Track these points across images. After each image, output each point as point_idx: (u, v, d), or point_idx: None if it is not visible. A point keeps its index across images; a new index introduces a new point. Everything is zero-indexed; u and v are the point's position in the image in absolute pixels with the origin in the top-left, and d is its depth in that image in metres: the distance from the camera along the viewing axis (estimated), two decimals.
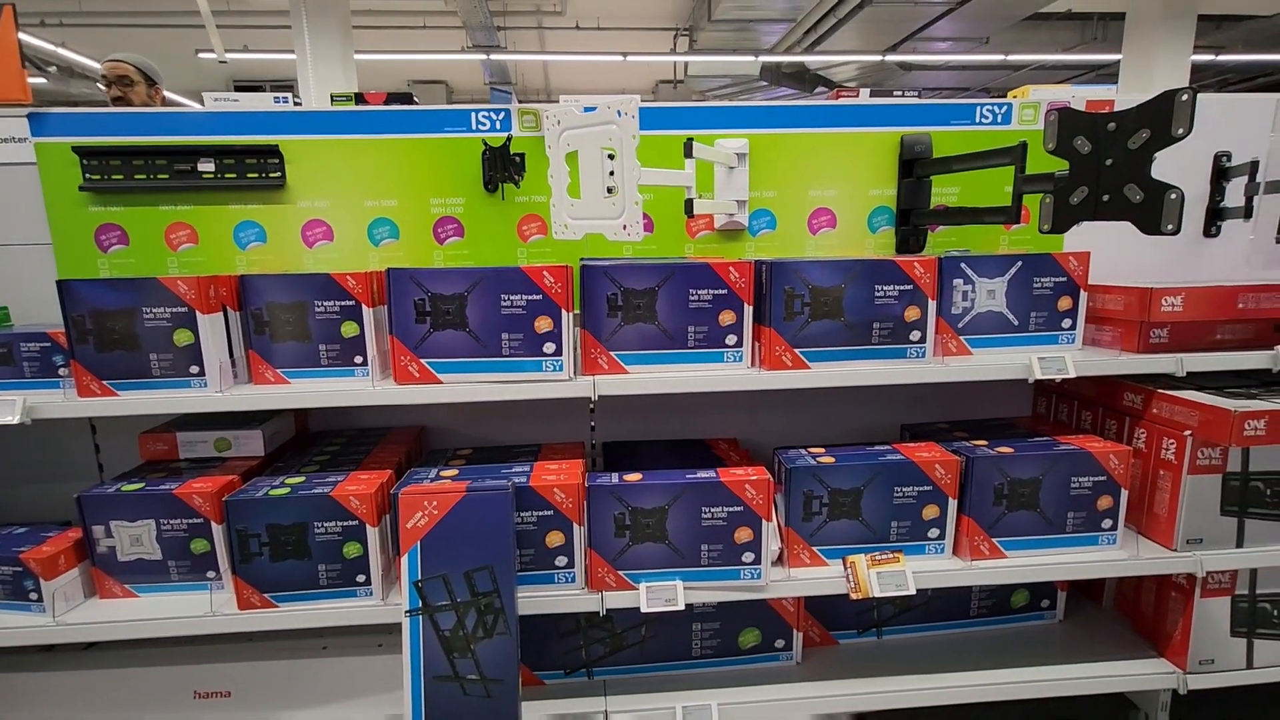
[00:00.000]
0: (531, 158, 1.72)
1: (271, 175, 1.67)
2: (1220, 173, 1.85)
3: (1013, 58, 8.90)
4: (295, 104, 1.74)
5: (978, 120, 1.80)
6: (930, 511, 1.50)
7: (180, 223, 1.69)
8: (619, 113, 1.19)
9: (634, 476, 1.41)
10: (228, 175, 1.66)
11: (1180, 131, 1.15)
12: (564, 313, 1.41)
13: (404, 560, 1.27)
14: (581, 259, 1.49)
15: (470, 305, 1.40)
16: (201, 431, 1.57)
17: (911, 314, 1.49)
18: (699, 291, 1.47)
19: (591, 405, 1.40)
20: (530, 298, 1.40)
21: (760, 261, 1.47)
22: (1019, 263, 1.57)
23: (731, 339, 1.49)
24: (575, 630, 1.56)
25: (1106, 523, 1.53)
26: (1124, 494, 1.52)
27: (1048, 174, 1.39)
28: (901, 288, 1.47)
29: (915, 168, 1.78)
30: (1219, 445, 1.47)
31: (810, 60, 9.45)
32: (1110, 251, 1.85)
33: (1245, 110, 1.85)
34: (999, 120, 1.81)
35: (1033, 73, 10.97)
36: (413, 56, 8.13)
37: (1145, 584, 1.71)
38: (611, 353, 1.47)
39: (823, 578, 1.47)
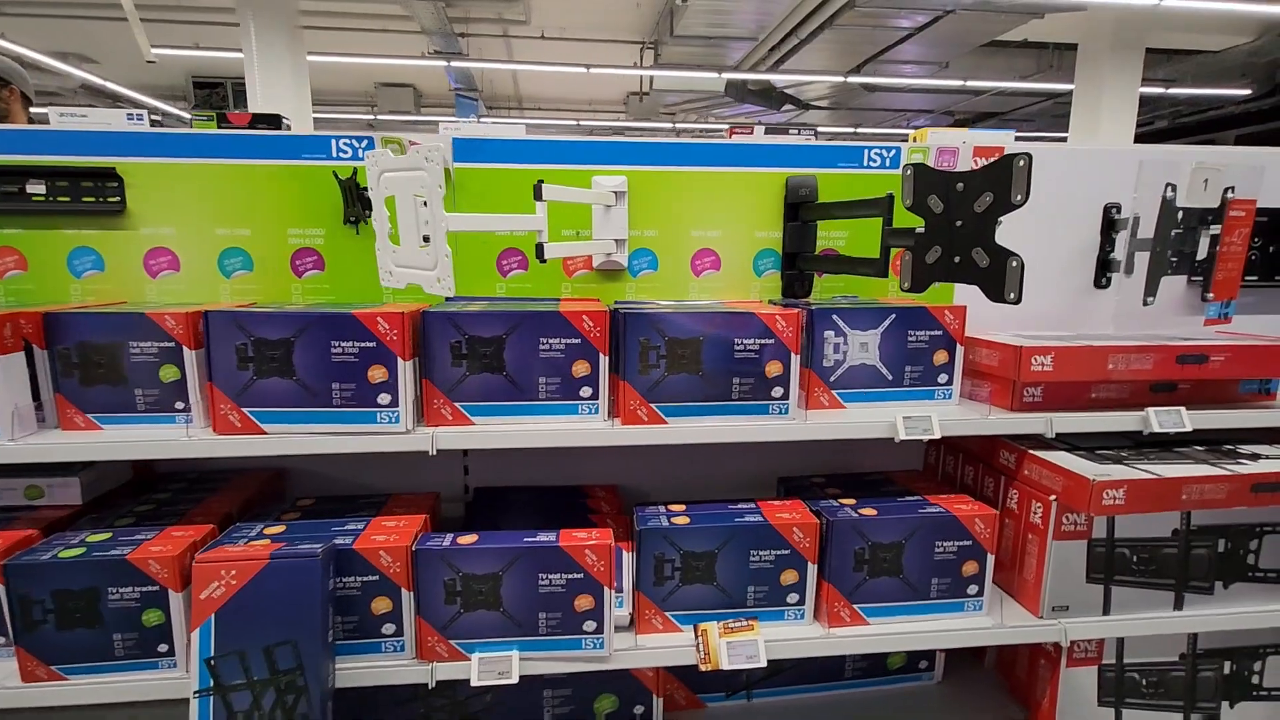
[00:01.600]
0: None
1: (109, 199, 1.56)
2: (1109, 224, 1.83)
3: (971, 83, 9.04)
4: (154, 122, 1.62)
5: (865, 163, 1.76)
6: (789, 576, 1.43)
7: (7, 248, 1.56)
8: (426, 158, 1.11)
9: (468, 539, 1.32)
10: (60, 199, 1.54)
11: (1018, 198, 1.11)
12: (400, 361, 1.32)
13: (195, 635, 1.16)
14: (447, 299, 1.41)
15: (298, 351, 1.30)
16: (8, 479, 1.45)
17: (773, 369, 1.42)
18: (550, 340, 1.39)
19: (431, 455, 1.32)
20: (363, 345, 1.31)
21: (616, 310, 1.40)
22: (893, 315, 1.52)
23: (586, 390, 1.42)
24: (414, 699, 1.46)
25: (972, 588, 1.48)
26: (990, 559, 1.47)
27: (910, 229, 1.34)
28: (763, 341, 1.41)
29: (800, 211, 1.73)
30: (1081, 512, 1.43)
31: (776, 78, 9.50)
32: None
33: (1130, 162, 1.84)
34: (886, 164, 1.77)
35: (993, 99, 11.19)
36: (369, 60, 7.97)
37: (1020, 648, 1.67)
38: (456, 403, 1.38)
39: (672, 646, 1.39)
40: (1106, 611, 1.49)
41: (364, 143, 1.62)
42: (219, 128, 1.68)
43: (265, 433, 1.32)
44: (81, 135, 1.55)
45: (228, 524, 1.43)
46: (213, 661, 1.16)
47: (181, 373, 1.34)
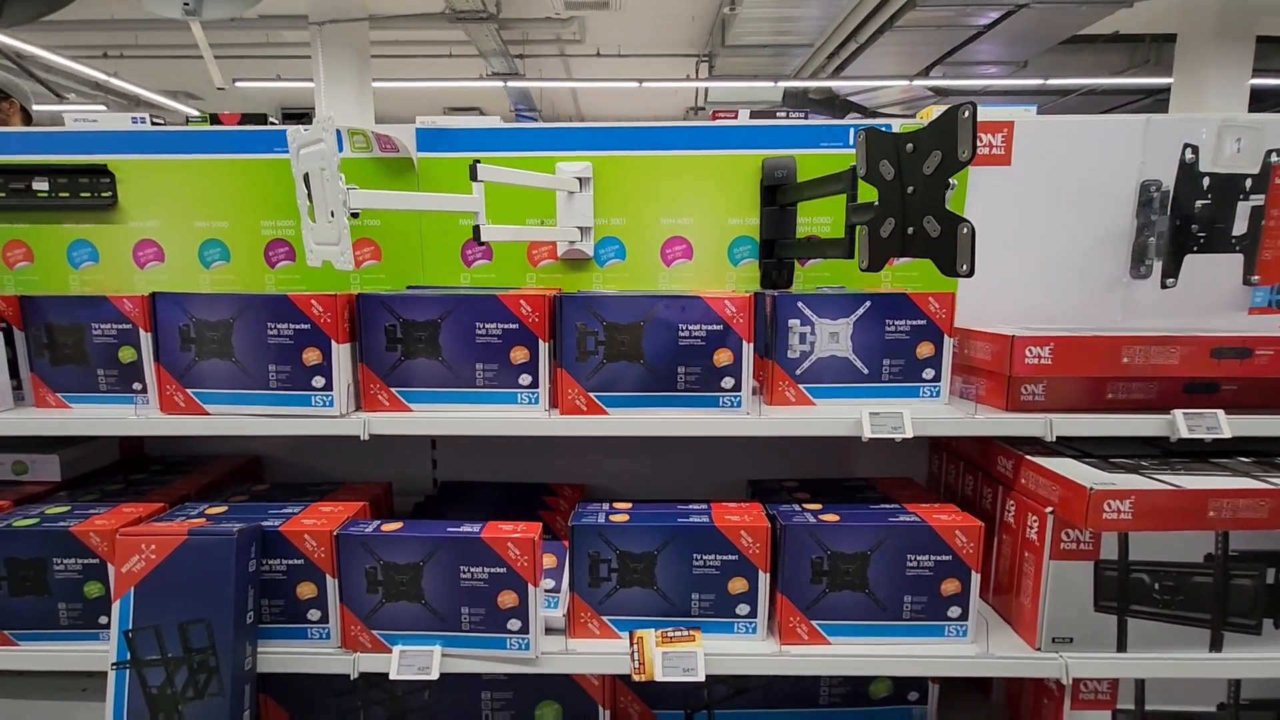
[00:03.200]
0: (363, 181, 1.64)
1: (103, 195, 1.65)
2: (1147, 204, 1.60)
3: (1052, 82, 8.44)
4: (155, 123, 1.71)
5: (850, 142, 1.62)
6: (738, 585, 1.30)
7: (16, 241, 1.69)
8: (324, 129, 1.09)
9: (392, 526, 1.28)
10: (61, 194, 1.65)
11: (964, 153, 0.97)
12: (334, 344, 1.31)
13: (115, 607, 1.18)
14: (409, 287, 1.40)
15: (236, 334, 1.32)
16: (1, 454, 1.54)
17: (722, 357, 1.32)
18: (487, 325, 1.34)
19: (363, 439, 1.29)
20: (298, 327, 1.31)
21: (558, 294, 1.34)
22: (867, 302, 1.38)
23: (525, 378, 1.36)
24: (351, 690, 1.43)
25: (954, 610, 1.29)
26: (974, 577, 1.28)
27: (869, 203, 1.21)
28: (709, 327, 1.31)
29: (777, 195, 1.61)
30: (1079, 528, 1.23)
31: (839, 85, 9.24)
32: (1021, 291, 1.63)
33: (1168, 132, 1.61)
34: None
35: (1083, 98, 10.41)
36: (429, 84, 8.37)
37: (1026, 683, 1.45)
38: (392, 389, 1.36)
39: (607, 653, 1.29)
40: (1122, 648, 1.27)
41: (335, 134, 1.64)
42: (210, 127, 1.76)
43: (207, 413, 1.34)
44: (80, 135, 1.66)
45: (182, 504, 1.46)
46: (130, 634, 1.17)
47: (138, 353, 1.39)
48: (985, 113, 1.72)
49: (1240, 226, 1.24)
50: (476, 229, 1.35)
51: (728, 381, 1.33)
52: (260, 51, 8.33)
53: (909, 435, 1.27)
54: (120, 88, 8.41)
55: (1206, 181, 1.20)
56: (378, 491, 1.56)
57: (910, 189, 1.08)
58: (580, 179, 1.63)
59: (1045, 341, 1.28)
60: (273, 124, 1.80)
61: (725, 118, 1.81)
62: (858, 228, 1.23)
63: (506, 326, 1.35)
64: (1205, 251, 1.23)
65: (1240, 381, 1.32)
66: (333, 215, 1.14)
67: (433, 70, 8.88)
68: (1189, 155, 1.19)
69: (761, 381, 1.43)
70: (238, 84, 8.23)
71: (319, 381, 1.32)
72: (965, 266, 0.97)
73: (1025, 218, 1.63)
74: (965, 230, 0.98)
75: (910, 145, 1.06)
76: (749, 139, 1.63)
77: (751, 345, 1.32)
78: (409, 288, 1.65)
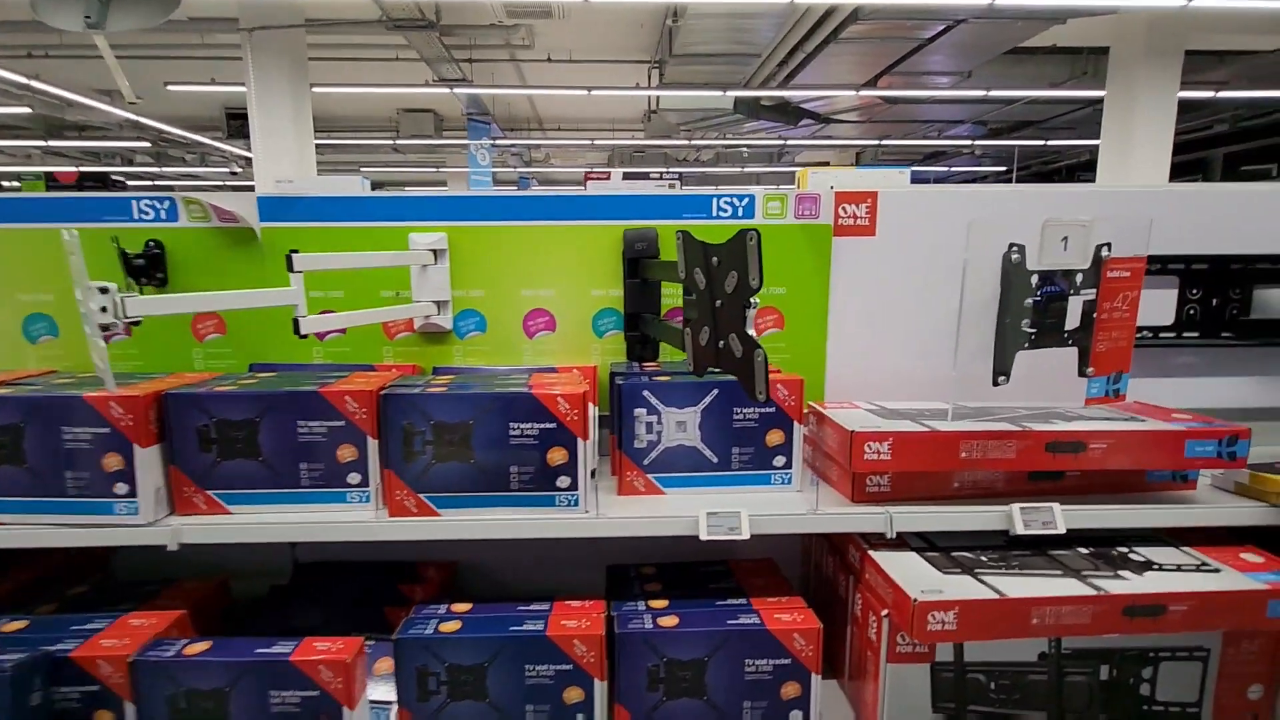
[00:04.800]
0: (204, 253, 1.55)
1: None
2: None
3: (994, 93, 8.59)
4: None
5: (714, 213, 1.58)
6: (573, 694, 1.25)
7: None
8: (69, 249, 1.01)
9: (197, 648, 1.20)
10: None
11: (753, 281, 0.92)
12: (137, 449, 1.22)
13: None
14: (252, 365, 1.31)
15: (29, 438, 1.22)
16: None
17: (556, 456, 1.26)
18: (310, 424, 1.27)
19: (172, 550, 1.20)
20: (96, 430, 1.21)
21: (383, 392, 1.27)
22: (714, 390, 1.33)
23: (354, 477, 1.29)
24: None
25: (795, 715, 1.26)
26: (815, 680, 1.25)
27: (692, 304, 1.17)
28: (542, 426, 1.25)
29: (638, 268, 1.56)
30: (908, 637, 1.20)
31: (792, 94, 9.26)
32: (896, 359, 1.61)
33: (1034, 202, 1.60)
34: (739, 213, 1.58)
35: (1029, 107, 10.64)
36: (373, 90, 8.15)
37: None
38: (209, 491, 1.27)
39: None
40: None
41: (166, 204, 1.55)
42: (47, 188, 1.64)
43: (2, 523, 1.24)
44: None
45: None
46: None
47: None
48: (851, 180, 1.70)
49: (1073, 320, 1.23)
50: (295, 321, 1.27)
51: (563, 480, 1.27)
52: (195, 53, 8.01)
53: (745, 537, 1.24)
54: (45, 90, 7.99)
55: (1035, 279, 1.18)
56: (206, 593, 1.47)
57: (718, 302, 1.03)
58: (435, 250, 1.56)
59: (884, 437, 1.26)
60: (117, 181, 1.68)
61: (598, 179, 1.76)
62: (685, 329, 1.18)
63: (332, 424, 1.27)
64: (1036, 347, 1.21)
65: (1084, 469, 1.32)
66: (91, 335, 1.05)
67: (381, 74, 8.65)
68: (1014, 255, 1.17)
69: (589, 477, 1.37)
70: (170, 88, 7.90)
71: (122, 488, 1.23)
72: (761, 394, 0.93)
73: (893, 287, 1.61)
74: (760, 357, 0.94)
75: (715, 259, 1.02)
76: (609, 209, 1.57)
77: (588, 442, 1.27)
78: (252, 366, 1.57)
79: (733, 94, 8.24)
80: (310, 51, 6.96)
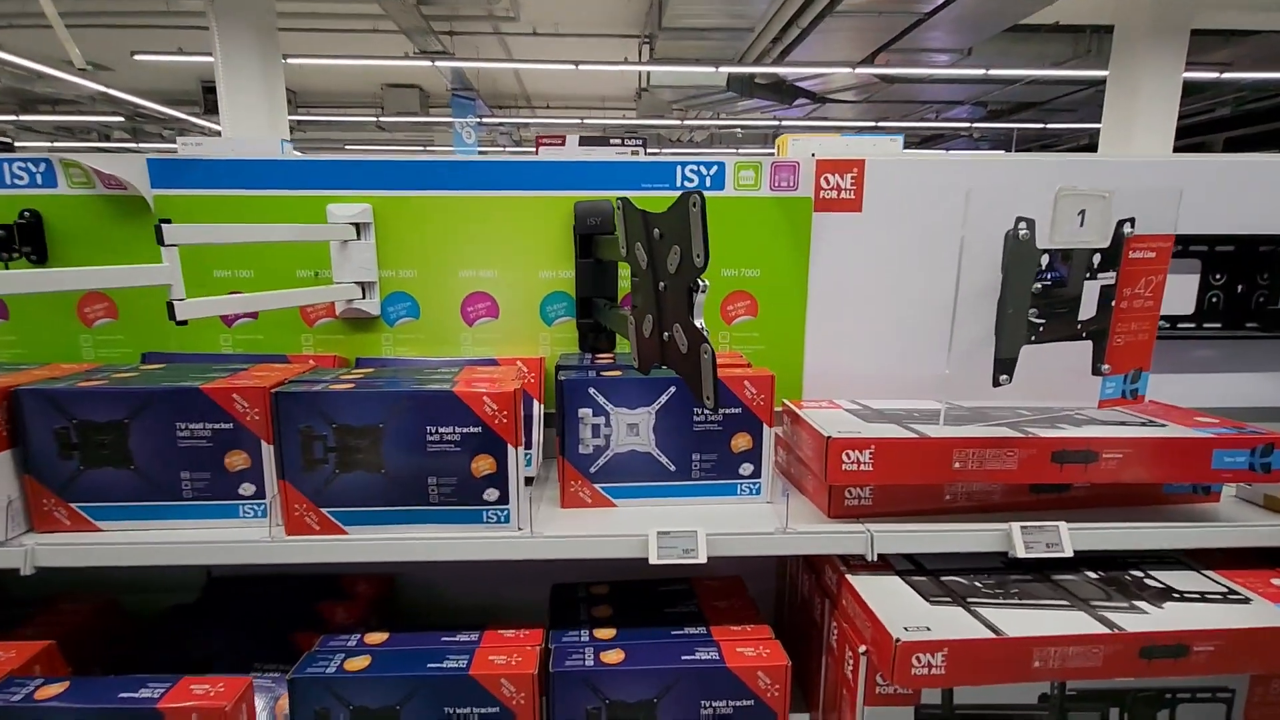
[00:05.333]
0: (91, 223, 1.34)
1: None
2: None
3: (994, 72, 8.34)
4: None
5: (679, 183, 1.38)
6: None
7: None
8: None
9: (51, 690, 1.02)
10: None
11: (698, 257, 0.73)
12: None
13: None
14: (145, 355, 1.11)
15: None
16: None
17: (482, 465, 1.08)
18: (192, 426, 1.08)
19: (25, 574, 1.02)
20: None
21: (275, 390, 1.08)
22: (671, 388, 1.15)
23: (248, 488, 1.10)
24: None
25: None
26: None
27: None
28: (465, 430, 1.06)
29: (592, 246, 1.37)
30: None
31: (785, 71, 8.98)
32: (881, 351, 1.43)
33: (1043, 173, 1.41)
34: (707, 183, 1.39)
35: (1029, 87, 10.39)
36: (349, 62, 7.83)
37: None
38: (72, 505, 1.09)
39: None
40: None
41: (42, 167, 1.34)
42: None
43: None
44: None
45: None
46: None
47: None
48: (836, 147, 1.51)
49: (1087, 310, 1.04)
50: (170, 306, 1.07)
51: (491, 493, 1.09)
52: (161, 21, 7.65)
53: (701, 560, 1.06)
54: (7, 60, 7.63)
55: (1045, 259, 1.00)
56: (86, 616, 1.28)
57: (661, 285, 0.84)
58: (357, 224, 1.36)
59: (865, 444, 1.08)
60: (4, 144, 1.47)
61: (551, 145, 1.56)
62: (629, 317, 0.99)
63: (218, 427, 1.08)
64: (1044, 341, 1.03)
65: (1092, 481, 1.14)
66: None
67: (359, 47, 8.31)
68: (1022, 231, 0.98)
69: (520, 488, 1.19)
70: (137, 57, 7.56)
71: None
72: (709, 400, 0.75)
73: (881, 270, 1.42)
74: (706, 354, 0.75)
75: (658, 231, 0.83)
76: (560, 178, 1.38)
77: (520, 449, 1.08)
78: (145, 356, 1.37)
79: (725, 70, 7.96)
80: (282, 21, 6.63)
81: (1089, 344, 1.07)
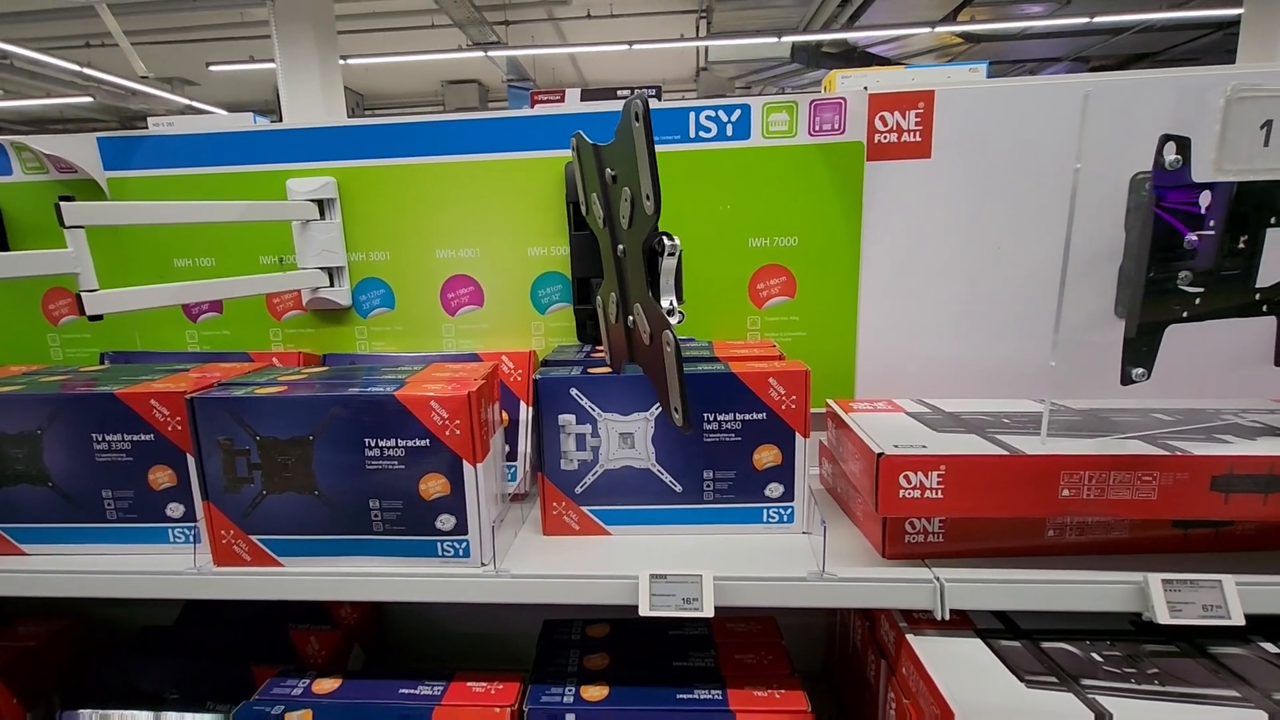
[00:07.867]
0: (41, 209, 1.23)
1: None
2: (1137, 210, 1.06)
3: (1100, 19, 7.42)
4: None
5: (693, 134, 1.12)
6: None
7: None
8: None
9: None
10: None
11: (648, 203, 0.48)
12: None
13: None
14: (104, 354, 0.99)
15: None
16: None
17: (433, 487, 0.87)
18: (109, 437, 0.93)
19: None
20: None
21: (191, 394, 0.91)
22: None
23: (175, 509, 0.95)
24: None
25: None
26: None
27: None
28: (409, 443, 0.86)
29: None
30: None
31: (855, 36, 8.37)
32: (956, 337, 1.13)
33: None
34: (727, 134, 1.12)
35: (1139, 36, 9.23)
36: (402, 59, 7.88)
37: None
38: None
39: None
40: None
41: None
42: None
43: None
44: None
45: None
46: None
47: None
48: (899, 80, 1.19)
49: (1270, 273, 0.71)
50: (79, 298, 0.91)
51: (445, 521, 0.88)
52: (235, 32, 7.98)
53: (707, 614, 0.81)
54: (102, 79, 8.19)
55: (1207, 199, 0.67)
56: (39, 640, 1.17)
57: (620, 248, 0.60)
58: (320, 201, 1.18)
59: (932, 464, 0.79)
60: None
61: (549, 100, 1.32)
62: (598, 296, 0.75)
63: (138, 438, 0.93)
64: (1203, 318, 0.71)
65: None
66: None
67: (418, 42, 8.39)
68: (1171, 157, 0.66)
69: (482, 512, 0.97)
70: (212, 68, 7.93)
71: None
72: (676, 413, 0.50)
73: (954, 232, 1.11)
74: (669, 348, 0.50)
75: (611, 172, 0.58)
76: (550, 135, 1.14)
77: (478, 466, 0.86)
78: (104, 356, 1.25)
79: (789, 39, 7.48)
80: (342, 24, 6.75)
81: (1270, 321, 0.74)
